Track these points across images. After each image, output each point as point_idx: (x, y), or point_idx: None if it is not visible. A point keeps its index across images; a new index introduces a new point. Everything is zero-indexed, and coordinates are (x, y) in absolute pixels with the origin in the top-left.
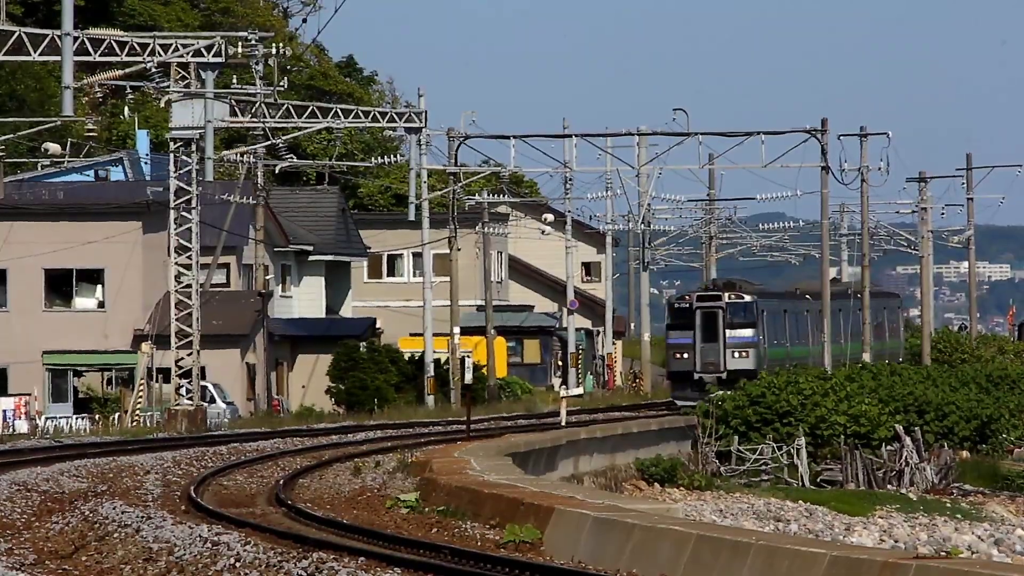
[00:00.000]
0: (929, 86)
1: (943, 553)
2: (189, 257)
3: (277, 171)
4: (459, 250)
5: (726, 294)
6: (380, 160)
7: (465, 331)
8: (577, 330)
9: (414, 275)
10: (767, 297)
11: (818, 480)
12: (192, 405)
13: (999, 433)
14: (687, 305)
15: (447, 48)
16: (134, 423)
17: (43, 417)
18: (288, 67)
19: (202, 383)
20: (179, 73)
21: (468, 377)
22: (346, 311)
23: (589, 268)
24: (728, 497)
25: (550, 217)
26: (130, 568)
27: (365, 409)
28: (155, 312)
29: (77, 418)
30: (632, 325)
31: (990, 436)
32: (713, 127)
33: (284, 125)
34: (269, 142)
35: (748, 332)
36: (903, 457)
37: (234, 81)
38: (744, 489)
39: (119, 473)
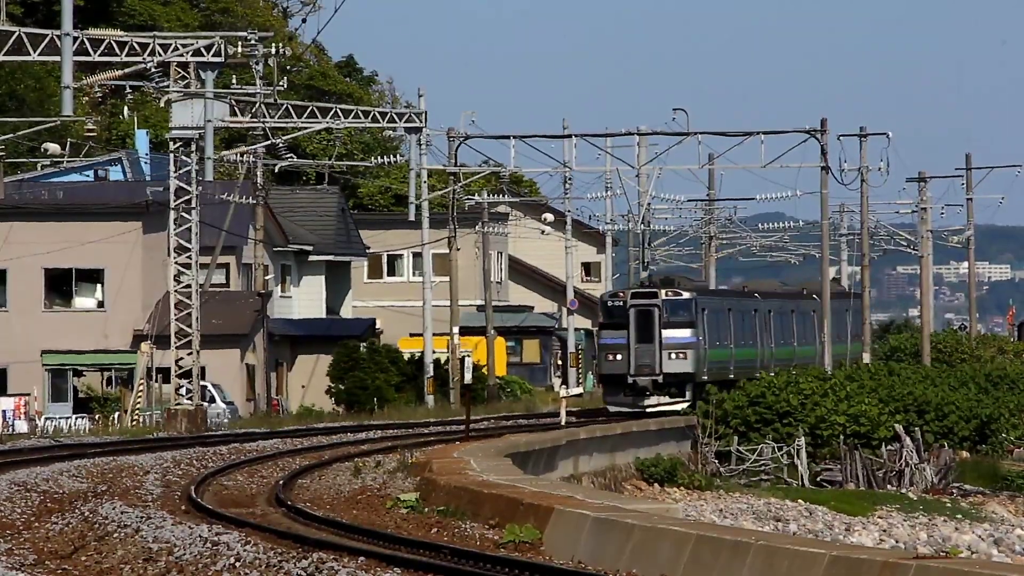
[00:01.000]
0: (929, 86)
1: (943, 553)
2: (189, 257)
3: (277, 171)
4: (459, 250)
5: (663, 291)
6: (380, 160)
7: (465, 331)
8: (577, 330)
9: (414, 275)
10: (709, 295)
11: (818, 480)
12: (192, 405)
13: (999, 433)
14: (621, 303)
15: (447, 48)
16: (134, 423)
17: (43, 417)
18: (288, 67)
19: (202, 383)
20: (179, 73)
21: (468, 377)
22: (346, 311)
23: (589, 268)
24: (728, 497)
25: (550, 217)
26: (130, 568)
27: (365, 409)
28: (155, 312)
29: (77, 418)
30: None
31: (990, 436)
32: (713, 127)
33: (284, 125)
34: (269, 142)
35: (686, 332)
36: (903, 457)
37: (234, 81)
38: (744, 489)
39: (119, 473)
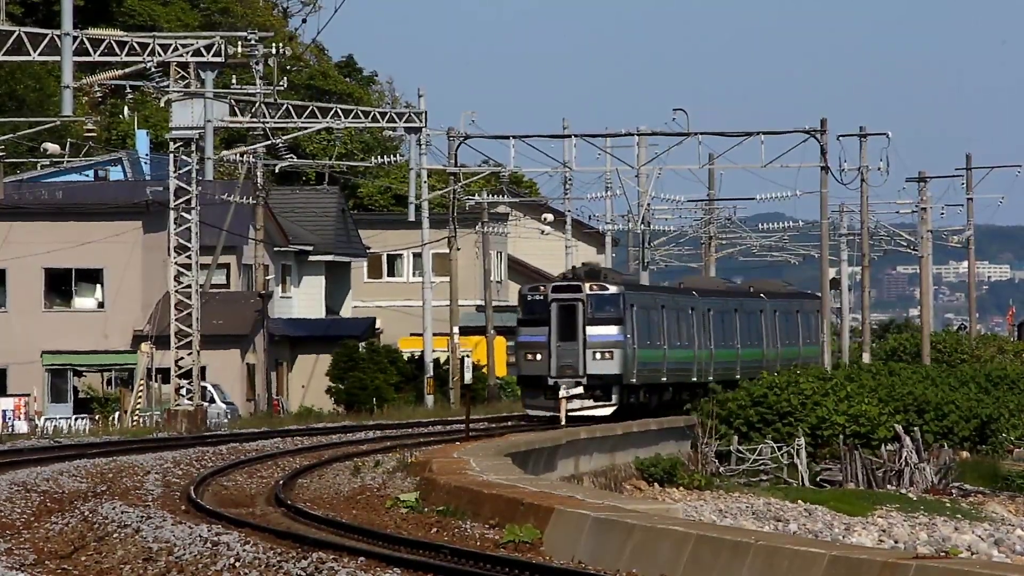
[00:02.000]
0: (929, 86)
1: (943, 553)
2: (189, 257)
3: (277, 171)
4: (459, 250)
5: (587, 284)
6: (380, 160)
7: (465, 331)
8: None
9: (414, 275)
10: (639, 290)
11: (818, 480)
12: (192, 405)
13: (999, 433)
14: (541, 297)
15: (447, 48)
16: (134, 423)
17: (43, 417)
18: (288, 67)
19: (202, 383)
20: (179, 73)
21: (468, 377)
22: (346, 311)
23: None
24: (728, 497)
25: (550, 217)
26: (130, 568)
27: (365, 409)
28: (155, 312)
29: (77, 418)
30: None
31: (990, 436)
32: (713, 127)
33: (284, 125)
34: (269, 142)
35: (613, 330)
36: (903, 457)
37: (234, 81)
38: (744, 489)
39: (119, 473)
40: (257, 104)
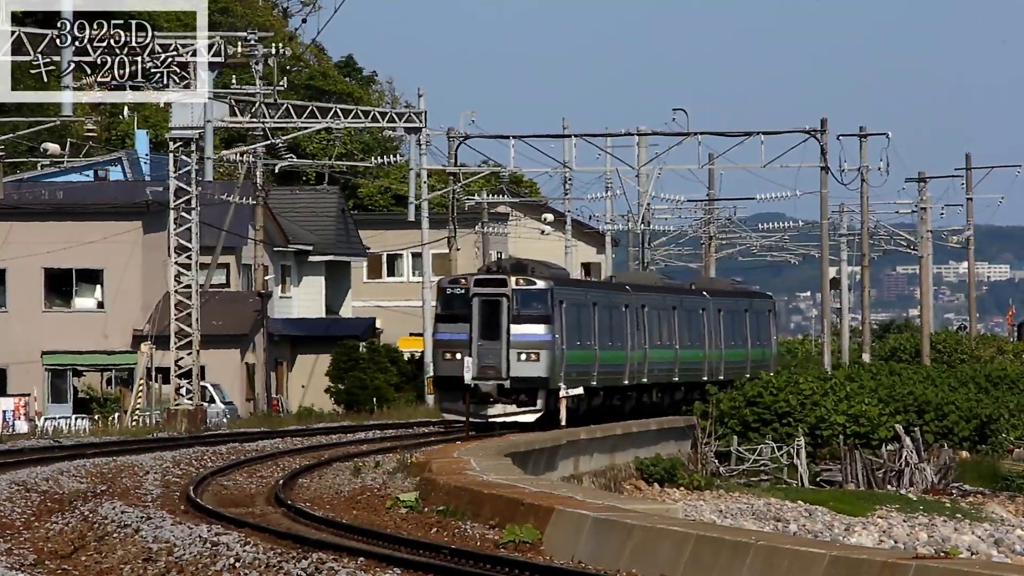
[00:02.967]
0: (929, 86)
1: (943, 553)
2: (189, 257)
3: (277, 171)
4: (459, 250)
5: (513, 278)
6: (380, 160)
7: None
8: None
9: (414, 275)
10: (568, 285)
11: (817, 480)
12: (192, 405)
13: (999, 433)
14: (462, 290)
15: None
16: (134, 423)
17: (42, 417)
18: (288, 67)
19: (202, 383)
20: (179, 73)
21: (468, 377)
22: (346, 311)
23: (589, 268)
24: (728, 497)
25: (550, 217)
26: (130, 568)
27: (365, 409)
28: (155, 312)
29: (77, 418)
30: None
31: (990, 436)
32: (713, 127)
33: (284, 125)
34: (269, 142)
35: (540, 329)
36: (903, 457)
37: (234, 81)
38: (744, 489)
39: (119, 473)
40: (257, 104)
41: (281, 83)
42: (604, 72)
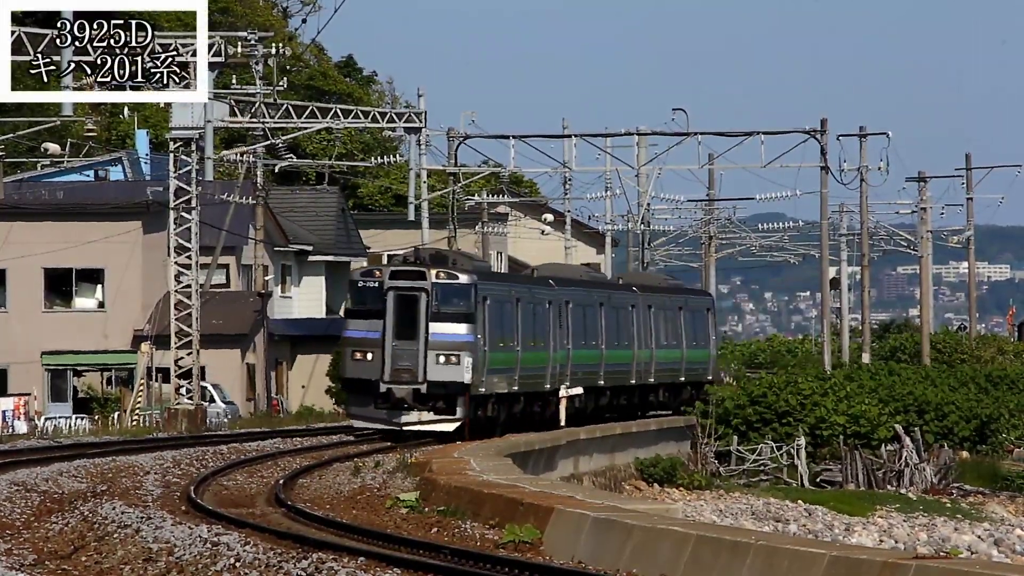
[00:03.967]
0: (929, 86)
1: (943, 553)
2: (189, 257)
3: (277, 171)
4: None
5: (433, 271)
6: (380, 160)
7: None
8: None
9: None
10: (492, 279)
11: (817, 480)
12: (192, 405)
13: (999, 433)
14: (376, 284)
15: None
16: (134, 423)
17: (42, 417)
18: (288, 67)
19: (202, 383)
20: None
21: (468, 377)
22: None
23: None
24: (727, 497)
25: (550, 217)
26: (130, 568)
27: None
28: (155, 312)
29: (77, 418)
30: None
31: (990, 436)
32: (713, 127)
33: (284, 125)
34: (269, 142)
35: (462, 328)
36: (903, 457)
37: (234, 81)
38: (743, 489)
39: (119, 473)
40: (257, 104)
41: (281, 83)
42: (604, 72)
